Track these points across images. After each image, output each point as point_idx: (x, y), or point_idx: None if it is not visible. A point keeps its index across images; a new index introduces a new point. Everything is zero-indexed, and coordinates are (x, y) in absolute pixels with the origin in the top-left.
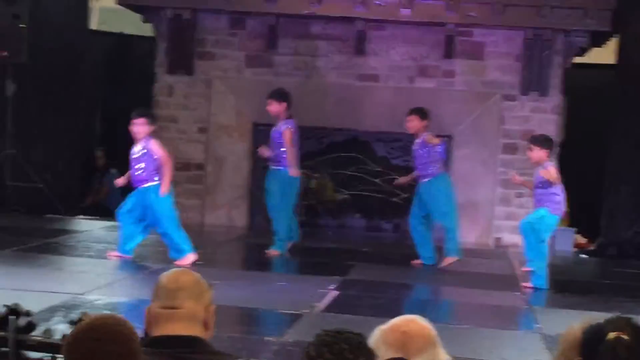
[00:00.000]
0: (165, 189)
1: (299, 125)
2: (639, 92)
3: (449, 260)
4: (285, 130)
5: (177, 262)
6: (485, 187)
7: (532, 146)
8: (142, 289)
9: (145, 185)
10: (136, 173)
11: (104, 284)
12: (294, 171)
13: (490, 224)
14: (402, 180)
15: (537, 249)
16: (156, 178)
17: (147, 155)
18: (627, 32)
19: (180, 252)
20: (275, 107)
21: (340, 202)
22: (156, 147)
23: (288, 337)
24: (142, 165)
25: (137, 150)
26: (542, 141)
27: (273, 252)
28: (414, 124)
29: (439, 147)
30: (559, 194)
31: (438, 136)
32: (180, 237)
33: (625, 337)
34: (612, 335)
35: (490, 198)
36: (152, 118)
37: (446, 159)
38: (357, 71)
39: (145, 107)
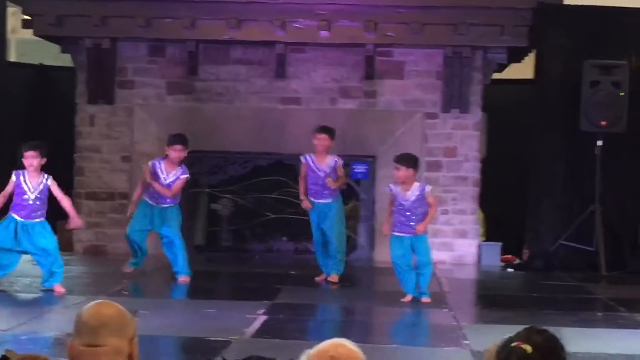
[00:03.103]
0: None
1: (223, 150)
2: (557, 106)
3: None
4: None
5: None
6: None
7: (399, 166)
8: (69, 322)
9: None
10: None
11: (29, 319)
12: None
13: None
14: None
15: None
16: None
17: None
18: (544, 47)
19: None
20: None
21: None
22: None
23: None
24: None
25: (34, 185)
26: (408, 160)
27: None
28: (326, 142)
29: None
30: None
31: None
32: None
33: (524, 347)
34: (512, 345)
35: None
36: (43, 150)
37: (369, 179)
38: (279, 94)
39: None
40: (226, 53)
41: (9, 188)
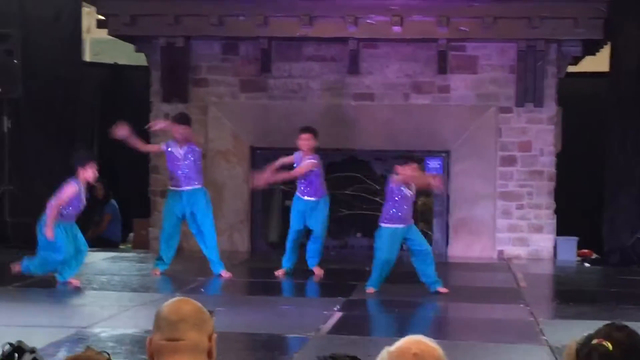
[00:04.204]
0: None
1: (297, 147)
2: (633, 98)
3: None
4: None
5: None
6: (486, 201)
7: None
8: (147, 319)
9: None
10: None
11: (108, 316)
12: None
13: (493, 237)
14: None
15: None
16: None
17: None
18: (619, 40)
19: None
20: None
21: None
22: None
23: None
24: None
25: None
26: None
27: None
28: (310, 142)
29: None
30: None
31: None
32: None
33: (606, 344)
34: (593, 342)
35: (491, 211)
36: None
37: (442, 175)
38: (352, 91)
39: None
40: (299, 50)
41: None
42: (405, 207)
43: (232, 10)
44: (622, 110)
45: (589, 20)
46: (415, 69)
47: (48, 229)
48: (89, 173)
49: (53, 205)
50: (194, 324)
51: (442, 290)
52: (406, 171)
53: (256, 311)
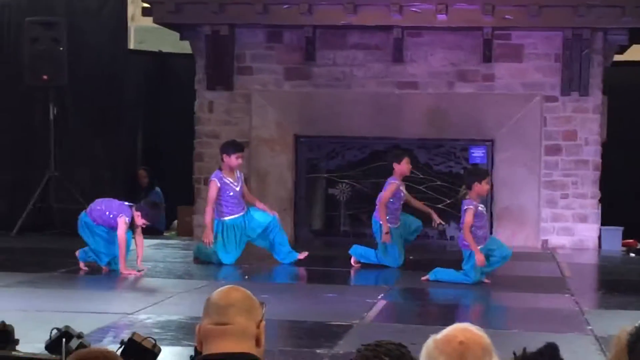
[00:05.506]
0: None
1: (341, 135)
2: None
3: None
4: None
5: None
6: (530, 190)
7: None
8: (191, 306)
9: None
10: None
11: (153, 303)
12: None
13: (537, 226)
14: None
15: None
16: None
17: None
18: None
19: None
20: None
21: None
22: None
23: (339, 348)
24: None
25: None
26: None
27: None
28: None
29: None
30: None
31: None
32: None
33: None
34: None
35: (535, 200)
36: None
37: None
38: (396, 79)
39: (188, 123)
40: (343, 38)
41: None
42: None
43: None
44: None
45: (635, 8)
46: (459, 57)
47: None
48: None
49: None
50: (242, 309)
51: (485, 280)
52: (402, 167)
53: (300, 299)
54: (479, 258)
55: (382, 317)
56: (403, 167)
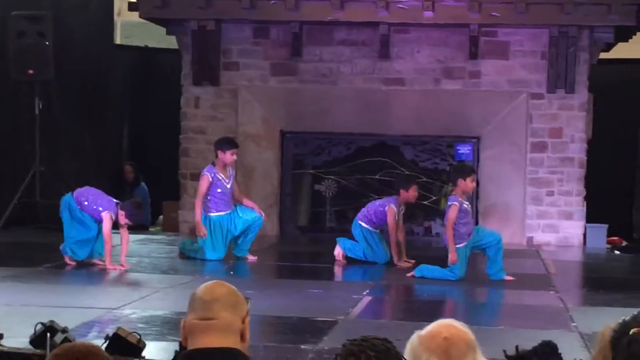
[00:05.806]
0: None
1: (327, 131)
2: None
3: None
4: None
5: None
6: (516, 187)
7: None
8: (176, 301)
9: None
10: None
11: (138, 298)
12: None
13: (523, 223)
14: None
15: None
16: None
17: None
18: None
19: None
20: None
21: None
22: None
23: (324, 344)
24: None
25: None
26: None
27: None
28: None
29: None
30: None
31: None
32: None
33: None
34: (634, 330)
35: (521, 197)
36: None
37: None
38: (383, 75)
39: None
40: (330, 34)
41: None
42: None
43: None
44: None
45: (622, 6)
46: (446, 54)
47: None
48: None
49: None
50: (227, 304)
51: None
52: (410, 194)
53: (285, 295)
54: (452, 258)
55: (368, 312)
56: (410, 194)
